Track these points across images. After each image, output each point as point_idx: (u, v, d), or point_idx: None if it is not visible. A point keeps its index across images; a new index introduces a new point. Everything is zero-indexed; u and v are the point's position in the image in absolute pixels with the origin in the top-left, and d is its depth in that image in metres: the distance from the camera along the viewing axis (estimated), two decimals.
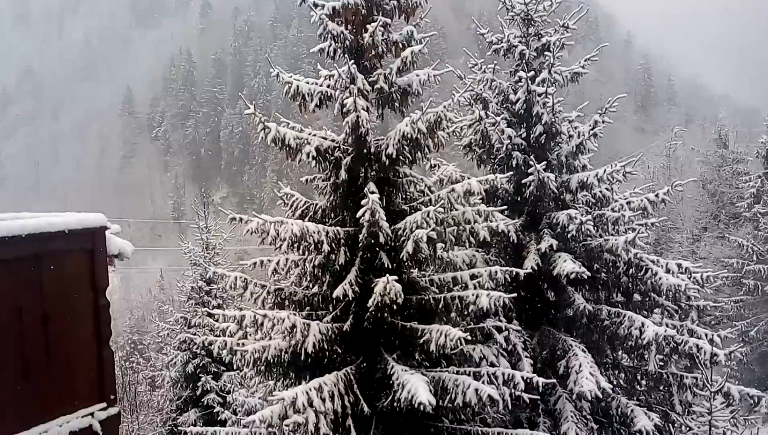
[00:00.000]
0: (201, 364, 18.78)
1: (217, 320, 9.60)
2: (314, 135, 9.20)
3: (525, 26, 11.57)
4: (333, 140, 9.19)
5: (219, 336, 9.42)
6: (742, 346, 14.66)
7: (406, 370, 7.87)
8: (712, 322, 16.88)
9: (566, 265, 9.70)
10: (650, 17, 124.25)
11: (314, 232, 8.33)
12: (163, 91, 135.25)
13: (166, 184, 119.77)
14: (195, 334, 18.76)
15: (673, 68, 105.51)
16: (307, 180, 9.68)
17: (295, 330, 8.04)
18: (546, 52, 11.38)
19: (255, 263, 9.22)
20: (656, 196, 10.90)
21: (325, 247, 8.41)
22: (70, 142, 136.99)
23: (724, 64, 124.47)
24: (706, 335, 10.29)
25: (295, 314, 8.41)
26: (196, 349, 18.62)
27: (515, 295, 8.59)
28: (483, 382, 7.98)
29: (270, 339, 8.69)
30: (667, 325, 9.95)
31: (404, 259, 8.32)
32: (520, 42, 11.53)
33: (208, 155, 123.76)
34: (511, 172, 10.85)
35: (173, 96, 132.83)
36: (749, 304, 22.59)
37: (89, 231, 5.36)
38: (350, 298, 8.37)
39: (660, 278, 10.08)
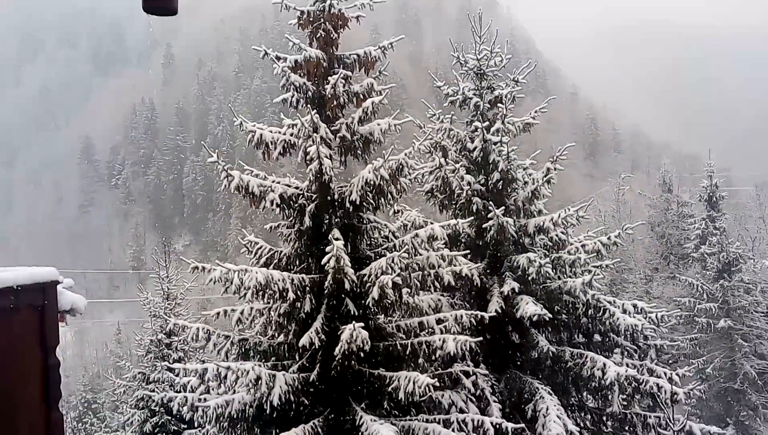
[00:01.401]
0: (160, 423, 17.99)
1: (177, 375, 9.37)
2: (278, 182, 9.30)
3: (478, 80, 12.12)
4: (297, 187, 9.30)
5: (179, 392, 9.19)
6: (699, 383, 14.98)
7: (375, 420, 7.79)
8: (670, 361, 17.27)
9: (528, 307, 9.88)
10: (593, 70, 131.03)
11: (279, 280, 8.32)
12: (124, 140, 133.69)
13: (126, 233, 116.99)
14: (153, 390, 18.07)
15: (616, 118, 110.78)
16: (271, 227, 9.71)
17: (260, 382, 7.91)
18: (499, 104, 11.90)
19: (218, 313, 9.09)
20: (608, 238, 11.31)
21: (291, 295, 8.39)
22: (25, 192, 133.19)
23: (663, 113, 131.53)
24: (666, 374, 10.53)
25: (260, 365, 8.29)
26: (155, 406, 17.88)
27: (481, 338, 8.68)
28: (453, 430, 7.97)
29: (234, 393, 8.51)
30: (627, 365, 10.16)
31: (370, 305, 8.36)
32: (474, 94, 12.03)
33: (171, 203, 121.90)
34: (472, 217, 11.12)
35: (134, 144, 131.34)
36: (703, 341, 23.17)
37: (40, 286, 5.08)
38: (316, 347, 8.32)
39: (618, 319, 10.34)
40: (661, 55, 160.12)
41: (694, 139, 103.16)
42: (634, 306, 11.02)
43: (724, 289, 22.98)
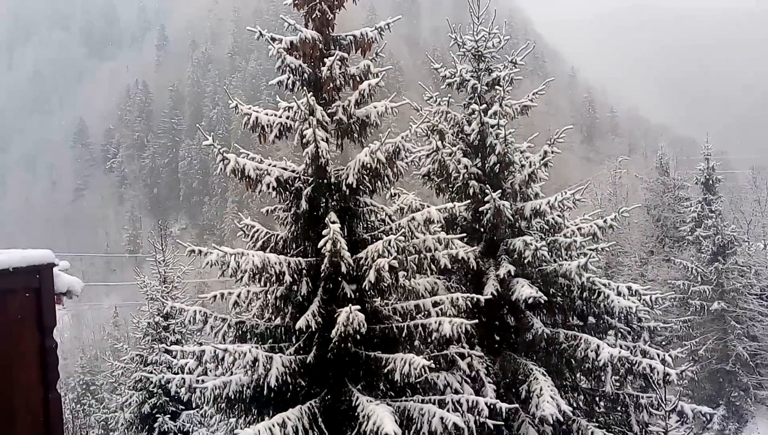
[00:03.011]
0: (158, 404, 18.15)
1: (175, 357, 9.42)
2: (274, 166, 9.27)
3: (476, 62, 12.03)
4: (293, 171, 9.28)
5: (177, 373, 9.23)
6: (692, 365, 15.16)
7: (371, 401, 7.87)
8: (663, 343, 17.43)
9: (524, 290, 9.94)
10: (592, 53, 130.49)
11: (276, 264, 8.33)
12: (119, 123, 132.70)
13: (122, 216, 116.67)
14: (151, 372, 18.20)
15: (614, 101, 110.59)
16: (268, 211, 9.70)
17: (257, 364, 7.96)
18: (497, 86, 11.83)
19: (215, 296, 9.11)
20: (604, 221, 11.34)
21: (287, 278, 8.41)
22: (19, 175, 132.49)
23: (661, 97, 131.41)
24: (659, 355, 10.65)
25: (257, 347, 8.34)
26: (153, 388, 18.03)
27: (477, 321, 8.74)
28: (448, 410, 8.04)
29: (231, 374, 8.57)
30: (621, 347, 10.26)
31: (366, 288, 8.39)
32: (472, 76, 11.95)
33: (166, 187, 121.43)
34: (469, 201, 11.09)
35: (129, 127, 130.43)
36: (696, 323, 23.44)
37: (35, 268, 5.12)
38: (313, 330, 8.36)
39: (612, 301, 10.42)
40: (660, 39, 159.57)
41: (692, 123, 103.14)
42: (629, 288, 11.08)
43: (718, 272, 23.18)
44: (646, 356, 10.54)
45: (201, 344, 8.84)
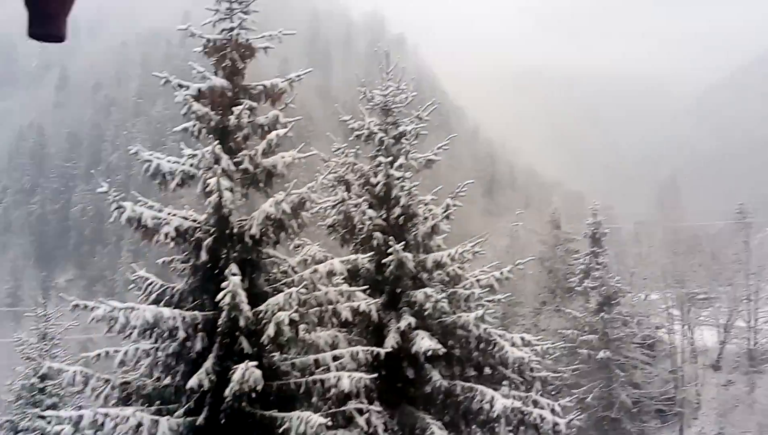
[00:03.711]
0: None
1: (49, 423, 8.63)
2: (174, 214, 8.99)
3: (384, 115, 12.45)
4: (194, 220, 9.05)
5: None
6: (580, 413, 15.87)
7: None
8: (554, 392, 18.15)
9: (424, 342, 10.09)
10: (493, 111, 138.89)
11: (170, 318, 7.98)
12: (8, 166, 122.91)
13: (3, 266, 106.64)
14: None
15: (513, 156, 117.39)
16: (164, 261, 9.34)
17: (141, 429, 7.45)
18: (403, 140, 12.27)
19: (99, 355, 8.52)
20: (501, 273, 11.87)
21: (181, 334, 8.06)
22: None
23: (554, 154, 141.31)
24: (549, 405, 11.07)
25: (142, 411, 7.82)
26: None
27: (376, 375, 8.75)
28: None
29: None
30: (514, 397, 10.59)
31: (265, 342, 8.20)
32: (380, 129, 12.33)
33: (55, 235, 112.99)
34: (372, 252, 11.26)
35: (18, 171, 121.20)
36: (584, 372, 24.62)
37: None
38: (206, 389, 8.00)
39: (507, 352, 10.80)
40: (553, 99, 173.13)
41: (582, 179, 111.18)
42: (522, 339, 11.57)
43: (604, 322, 24.62)
44: (537, 406, 10.92)
45: (80, 408, 8.13)
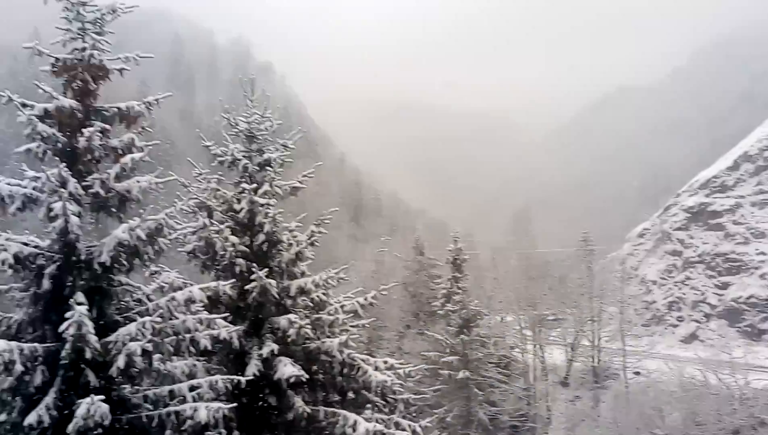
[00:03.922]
0: None
1: None
2: (13, 240, 8.30)
3: (248, 142, 12.44)
4: (36, 246, 8.41)
5: None
6: (440, 433, 16.53)
7: None
8: (416, 413, 18.76)
9: (286, 369, 10.09)
10: (360, 140, 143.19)
11: (5, 351, 7.30)
12: None
13: None
14: None
15: (379, 184, 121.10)
16: (1, 291, 8.55)
17: None
18: (268, 167, 12.31)
19: None
20: (365, 299, 12.24)
21: (18, 368, 7.39)
22: None
23: (418, 182, 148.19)
24: (410, 426, 11.48)
25: None
26: None
27: (236, 404, 8.59)
28: None
29: None
30: (377, 420, 10.88)
31: (115, 374, 7.77)
32: (244, 156, 12.28)
33: None
34: (234, 279, 11.10)
35: None
36: (446, 392, 25.77)
37: None
38: (46, 425, 7.39)
39: (370, 376, 11.11)
40: (417, 131, 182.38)
41: (444, 207, 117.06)
42: (385, 362, 11.96)
43: (464, 343, 25.96)
44: (399, 428, 11.28)
45: None
